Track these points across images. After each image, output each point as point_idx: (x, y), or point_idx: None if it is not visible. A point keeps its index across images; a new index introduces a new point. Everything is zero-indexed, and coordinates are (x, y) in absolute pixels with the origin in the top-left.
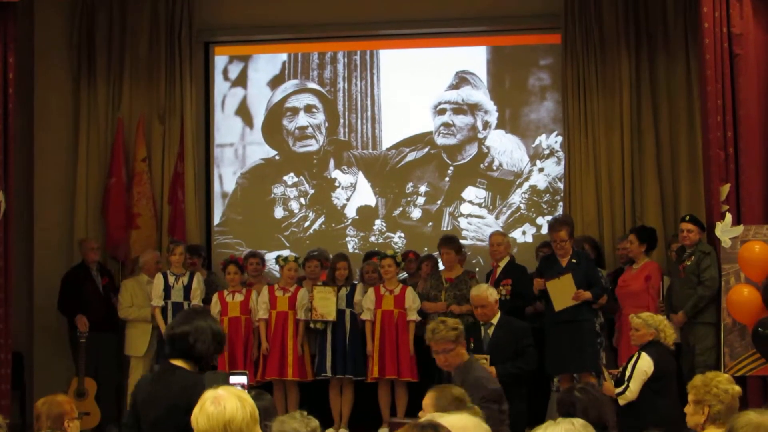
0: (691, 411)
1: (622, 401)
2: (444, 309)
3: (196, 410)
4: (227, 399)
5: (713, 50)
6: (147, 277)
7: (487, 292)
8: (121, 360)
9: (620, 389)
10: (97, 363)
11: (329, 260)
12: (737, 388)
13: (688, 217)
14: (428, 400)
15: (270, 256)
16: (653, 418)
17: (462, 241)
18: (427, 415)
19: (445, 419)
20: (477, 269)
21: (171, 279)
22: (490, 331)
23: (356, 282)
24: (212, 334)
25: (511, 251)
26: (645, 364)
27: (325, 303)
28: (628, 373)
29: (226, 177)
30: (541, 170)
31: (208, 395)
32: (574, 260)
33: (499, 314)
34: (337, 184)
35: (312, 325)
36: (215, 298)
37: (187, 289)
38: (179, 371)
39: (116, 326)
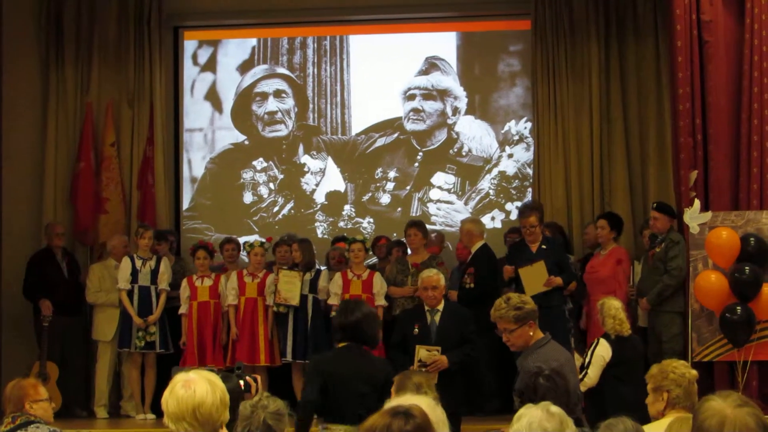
0: (650, 400)
1: (583, 388)
2: (410, 293)
3: (166, 393)
4: (197, 382)
5: (684, 37)
6: (115, 262)
7: (438, 276)
8: (88, 344)
9: (580, 376)
10: (63, 347)
11: None
12: (693, 372)
13: (655, 205)
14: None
15: (240, 242)
16: (616, 405)
17: (431, 227)
18: (391, 399)
19: (401, 401)
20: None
21: (138, 263)
22: (437, 317)
23: (321, 267)
24: (376, 321)
25: (483, 238)
26: (603, 350)
27: (290, 287)
28: (587, 360)
29: (196, 162)
30: (510, 156)
31: (179, 378)
32: (544, 246)
33: (443, 300)
34: (306, 169)
35: (275, 308)
36: (184, 282)
37: (154, 273)
38: (364, 350)
39: (82, 310)
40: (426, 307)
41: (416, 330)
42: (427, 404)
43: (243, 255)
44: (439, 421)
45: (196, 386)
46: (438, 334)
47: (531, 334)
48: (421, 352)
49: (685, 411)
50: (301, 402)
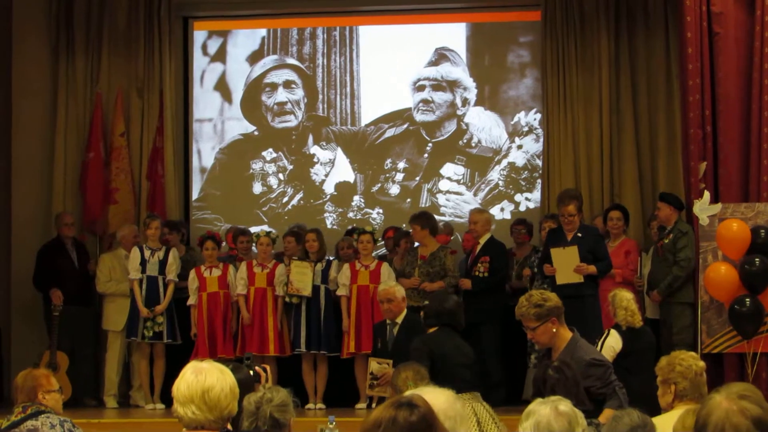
0: (660, 392)
1: None
2: (417, 284)
3: (177, 380)
4: (208, 370)
5: (694, 28)
6: (125, 252)
7: (394, 288)
8: (98, 333)
9: None
10: (73, 337)
11: None
12: (701, 364)
13: (660, 196)
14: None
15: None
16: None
17: (440, 218)
18: (407, 392)
19: (424, 394)
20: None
21: (147, 253)
22: (395, 330)
23: (331, 258)
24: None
25: (491, 228)
26: (613, 341)
27: (302, 278)
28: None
29: (205, 152)
30: (519, 147)
31: (190, 366)
32: (579, 234)
33: (404, 313)
34: (315, 159)
35: (287, 299)
36: (192, 273)
37: (163, 263)
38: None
39: (92, 300)
40: (387, 319)
41: (379, 344)
42: (446, 398)
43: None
44: (457, 414)
45: (206, 373)
46: (393, 347)
47: (554, 330)
48: (373, 365)
49: (694, 403)
50: None
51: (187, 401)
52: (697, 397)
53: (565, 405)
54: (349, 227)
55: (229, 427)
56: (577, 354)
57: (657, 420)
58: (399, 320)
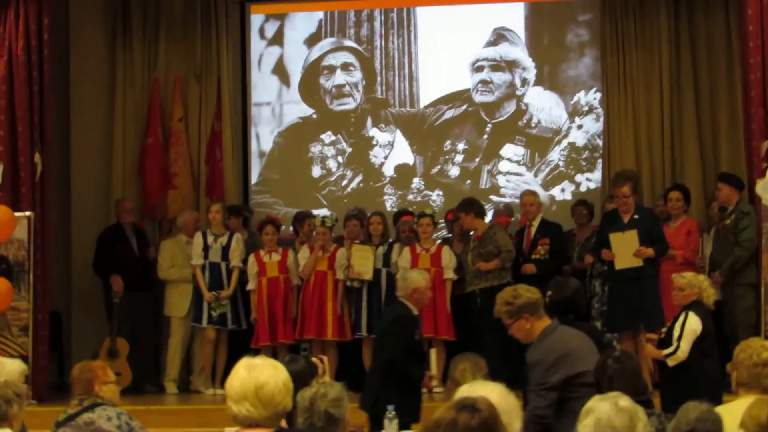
0: (733, 376)
1: (672, 362)
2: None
3: (230, 375)
4: (261, 366)
5: (755, 5)
6: (186, 238)
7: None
8: (159, 320)
9: (670, 350)
10: (133, 323)
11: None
12: (765, 355)
13: (719, 176)
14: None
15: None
16: (703, 379)
17: (501, 199)
18: (460, 389)
19: (476, 391)
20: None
21: (210, 239)
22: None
23: (393, 241)
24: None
25: (542, 210)
26: (694, 323)
27: (363, 261)
28: (677, 333)
29: (264, 136)
30: (579, 127)
31: (243, 362)
32: (636, 216)
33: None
34: (374, 142)
35: (348, 283)
36: (251, 258)
37: (226, 249)
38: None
39: (152, 286)
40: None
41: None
42: (499, 392)
43: None
44: (511, 409)
45: (260, 369)
46: None
47: (528, 327)
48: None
49: (758, 393)
50: None
51: (241, 398)
52: (759, 388)
53: (625, 400)
54: (398, 210)
55: (284, 423)
56: (533, 350)
57: (720, 409)
58: None
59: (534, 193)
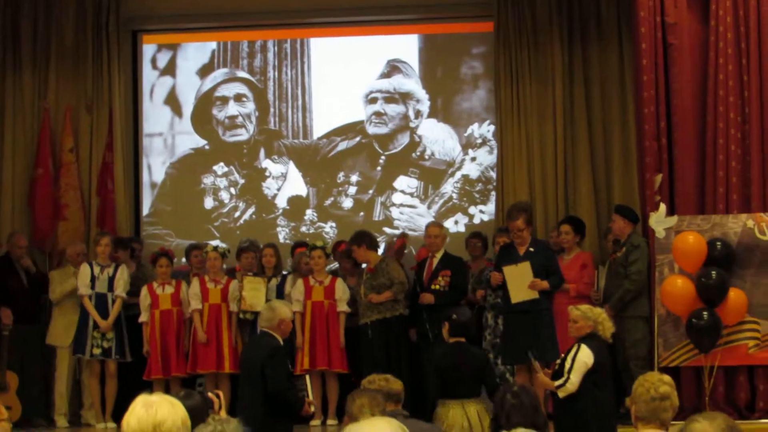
0: (632, 410)
1: (562, 393)
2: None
3: (127, 414)
4: (159, 404)
5: (648, 39)
6: (73, 269)
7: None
8: (48, 353)
9: (560, 381)
10: (23, 356)
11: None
12: (663, 389)
13: (615, 208)
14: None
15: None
16: (593, 411)
17: (394, 231)
18: (349, 426)
19: (367, 427)
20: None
21: (96, 270)
22: None
23: (286, 272)
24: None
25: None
26: (585, 356)
27: (255, 293)
28: (568, 365)
29: (155, 167)
30: (473, 159)
31: (140, 400)
32: (531, 249)
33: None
34: (267, 173)
35: (241, 315)
36: (144, 290)
37: (112, 280)
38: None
39: (41, 319)
40: None
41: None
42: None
43: None
44: None
45: (157, 407)
46: None
47: None
48: None
49: (656, 428)
50: None
51: None
52: (657, 422)
53: None
54: (294, 242)
55: None
56: None
57: None
58: None
59: (440, 226)
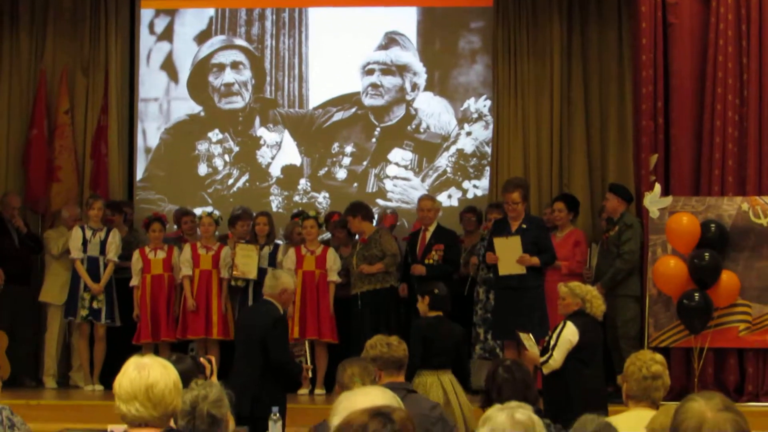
0: (623, 389)
1: (546, 370)
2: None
3: (118, 376)
4: (151, 366)
5: (649, 18)
6: (67, 230)
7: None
8: (39, 314)
9: (544, 358)
10: (13, 316)
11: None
12: (655, 368)
13: (609, 186)
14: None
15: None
16: (579, 388)
17: (387, 203)
18: (344, 393)
19: (360, 396)
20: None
21: (88, 233)
22: None
23: (279, 241)
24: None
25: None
26: (569, 333)
27: (247, 261)
28: (552, 342)
29: (150, 132)
30: (468, 134)
31: (132, 361)
32: (524, 225)
33: None
34: (262, 142)
35: (233, 282)
36: (136, 254)
37: (104, 244)
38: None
39: (32, 279)
40: None
41: None
42: (388, 399)
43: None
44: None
45: (150, 369)
46: None
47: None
48: None
49: (647, 406)
50: None
51: (131, 398)
52: (648, 401)
53: (522, 413)
54: (295, 211)
55: (173, 424)
56: None
57: (610, 420)
58: None
59: (433, 199)
